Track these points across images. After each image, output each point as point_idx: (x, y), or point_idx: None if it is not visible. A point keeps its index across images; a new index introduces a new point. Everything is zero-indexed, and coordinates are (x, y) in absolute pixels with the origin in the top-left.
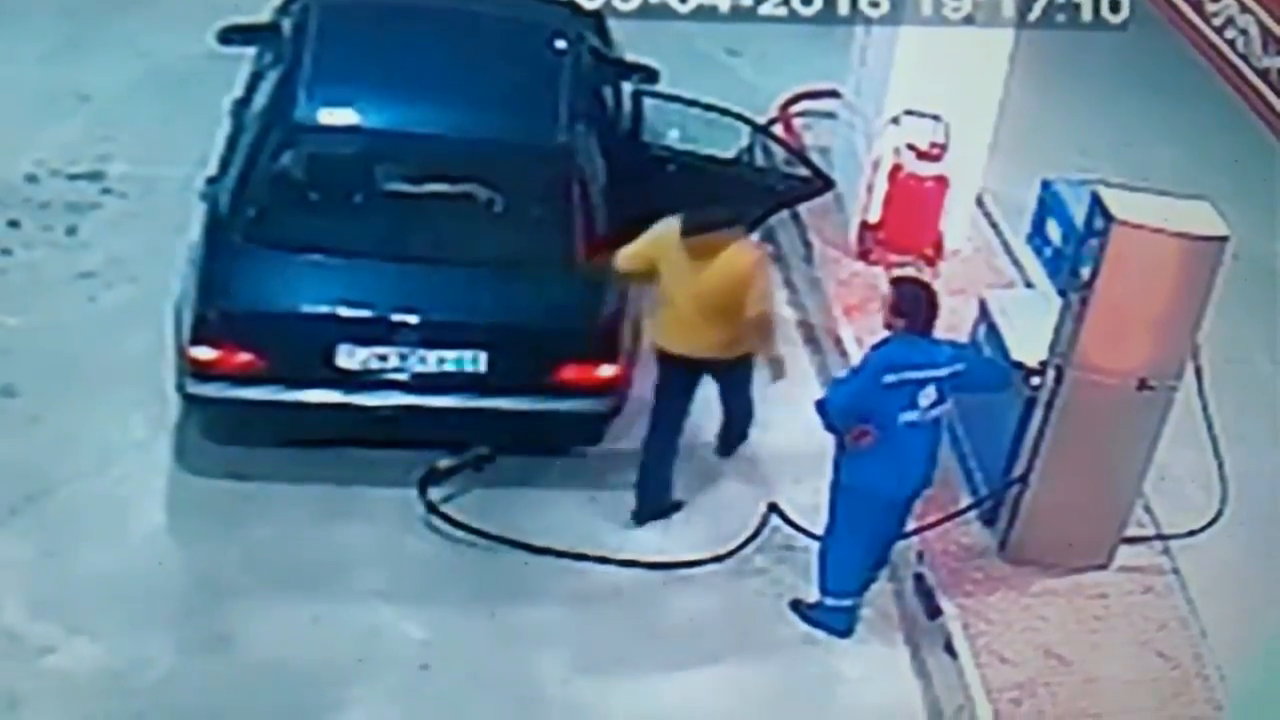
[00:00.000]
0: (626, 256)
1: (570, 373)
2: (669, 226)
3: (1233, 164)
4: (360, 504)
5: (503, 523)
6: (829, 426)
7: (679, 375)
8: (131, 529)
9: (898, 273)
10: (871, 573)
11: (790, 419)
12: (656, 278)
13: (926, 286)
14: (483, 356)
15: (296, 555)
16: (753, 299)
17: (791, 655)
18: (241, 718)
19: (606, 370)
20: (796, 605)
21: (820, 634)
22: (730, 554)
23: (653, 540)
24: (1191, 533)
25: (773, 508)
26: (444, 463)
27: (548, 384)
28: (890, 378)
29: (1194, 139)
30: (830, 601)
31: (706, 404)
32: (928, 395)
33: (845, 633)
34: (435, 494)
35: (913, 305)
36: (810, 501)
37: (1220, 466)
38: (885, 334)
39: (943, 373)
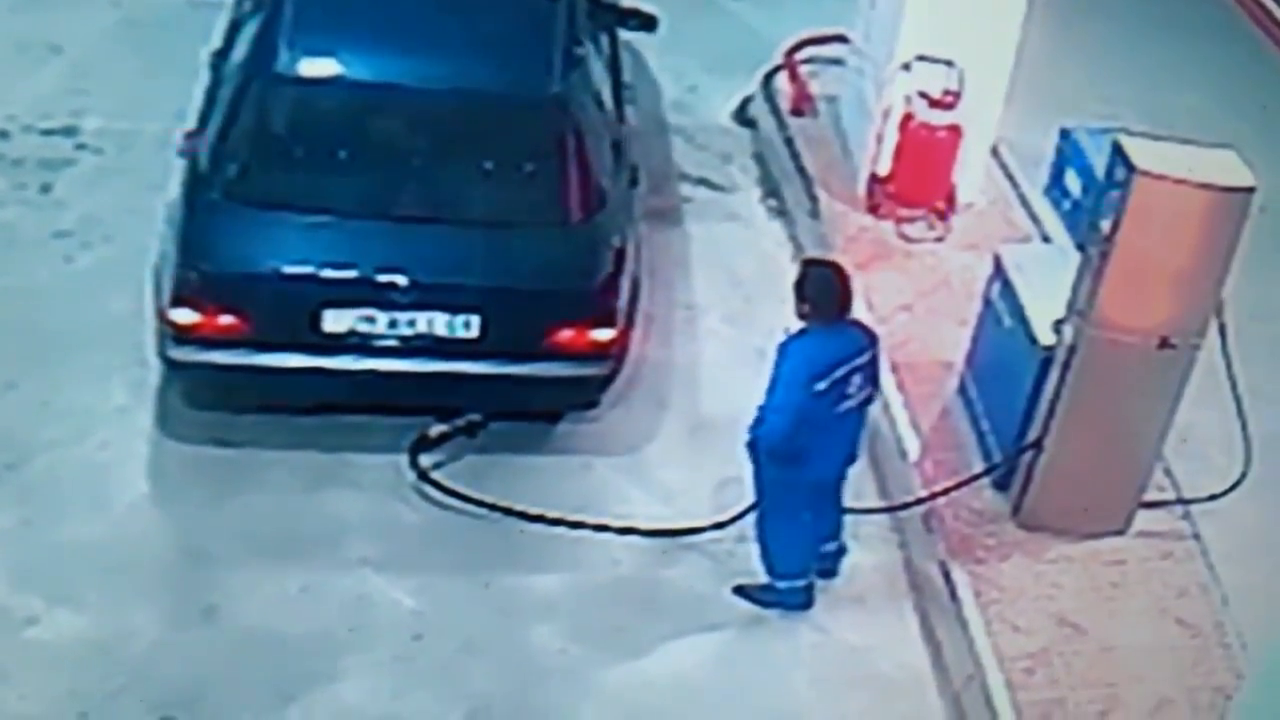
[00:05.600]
0: None
1: (565, 336)
2: None
3: (1261, 110)
4: (349, 471)
5: (497, 490)
6: (770, 456)
7: None
8: (113, 497)
9: (807, 255)
10: (828, 545)
11: None
12: None
13: (837, 268)
14: (475, 320)
15: (284, 523)
16: None
17: (796, 624)
18: (229, 690)
19: (603, 333)
20: (741, 590)
21: (824, 600)
22: (731, 521)
23: (652, 508)
24: (1213, 496)
25: None
26: (435, 429)
27: (542, 348)
28: (822, 385)
29: (1220, 84)
30: (782, 585)
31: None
32: (854, 383)
33: (806, 606)
34: (426, 461)
35: (823, 290)
36: None
37: (1244, 428)
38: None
39: (865, 360)
